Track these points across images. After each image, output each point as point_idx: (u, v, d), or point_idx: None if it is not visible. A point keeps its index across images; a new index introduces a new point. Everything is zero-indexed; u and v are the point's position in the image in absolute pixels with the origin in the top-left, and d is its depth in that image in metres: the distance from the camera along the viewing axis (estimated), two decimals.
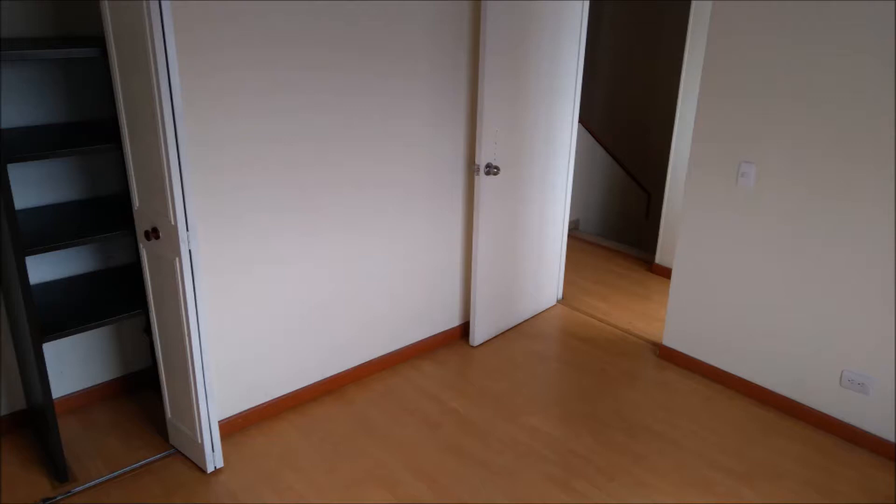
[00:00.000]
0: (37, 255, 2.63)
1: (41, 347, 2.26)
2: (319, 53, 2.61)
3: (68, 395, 2.89)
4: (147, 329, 2.98)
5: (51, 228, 2.37)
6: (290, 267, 2.79)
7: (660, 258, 4.56)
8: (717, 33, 2.92)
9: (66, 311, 2.45)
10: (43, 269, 2.67)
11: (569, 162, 3.86)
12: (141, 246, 2.41)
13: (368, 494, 2.47)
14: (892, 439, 2.72)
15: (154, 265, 2.38)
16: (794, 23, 2.68)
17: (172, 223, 2.19)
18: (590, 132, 5.59)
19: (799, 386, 2.97)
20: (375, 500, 2.44)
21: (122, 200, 2.69)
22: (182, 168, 2.13)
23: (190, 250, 2.23)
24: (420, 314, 3.41)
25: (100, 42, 2.29)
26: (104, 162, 2.70)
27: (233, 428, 2.79)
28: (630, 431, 2.87)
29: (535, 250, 3.77)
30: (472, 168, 3.38)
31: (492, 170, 3.25)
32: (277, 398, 2.92)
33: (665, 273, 4.50)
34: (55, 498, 2.41)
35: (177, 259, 2.23)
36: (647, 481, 2.57)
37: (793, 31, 2.69)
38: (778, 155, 2.83)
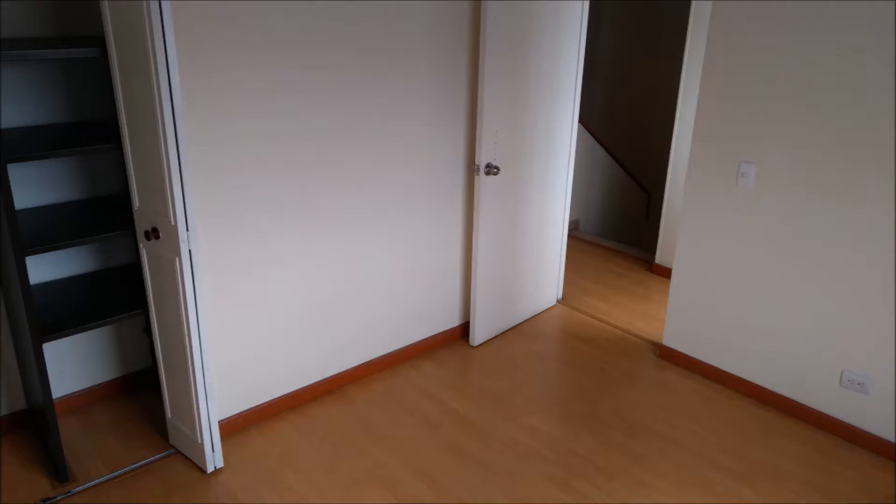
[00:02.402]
0: (37, 255, 2.63)
1: (41, 347, 2.26)
2: (319, 53, 2.61)
3: (68, 395, 2.89)
4: (147, 329, 2.98)
5: (51, 228, 2.37)
6: (290, 267, 2.79)
7: (660, 258, 4.56)
8: (717, 33, 2.92)
9: (66, 311, 2.45)
10: (43, 269, 2.67)
11: (569, 162, 3.86)
12: (141, 246, 2.41)
13: (368, 494, 2.47)
14: (892, 439, 2.72)
15: (154, 265, 2.38)
16: (794, 23, 2.68)
17: (172, 223, 2.19)
18: (590, 132, 5.59)
19: (799, 386, 2.97)
20: (375, 500, 2.44)
21: (122, 200, 2.69)
22: (182, 168, 2.13)
23: (190, 250, 2.23)
24: (420, 314, 3.41)
25: (100, 42, 2.29)
26: (104, 162, 2.70)
27: (233, 428, 2.79)
28: (630, 431, 2.87)
29: (535, 250, 3.77)
30: (472, 168, 3.38)
31: (492, 170, 3.25)
32: (277, 398, 2.92)
33: (665, 273, 4.50)
34: (55, 498, 2.41)
35: (177, 259, 2.24)
36: (647, 481, 2.57)
37: (793, 31, 2.69)
38: (778, 155, 2.83)
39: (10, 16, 2.36)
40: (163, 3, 1.94)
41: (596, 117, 6.36)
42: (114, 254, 2.84)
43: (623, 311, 4.01)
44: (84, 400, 2.94)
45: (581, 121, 5.41)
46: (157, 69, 2.00)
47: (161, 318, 2.46)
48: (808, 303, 2.86)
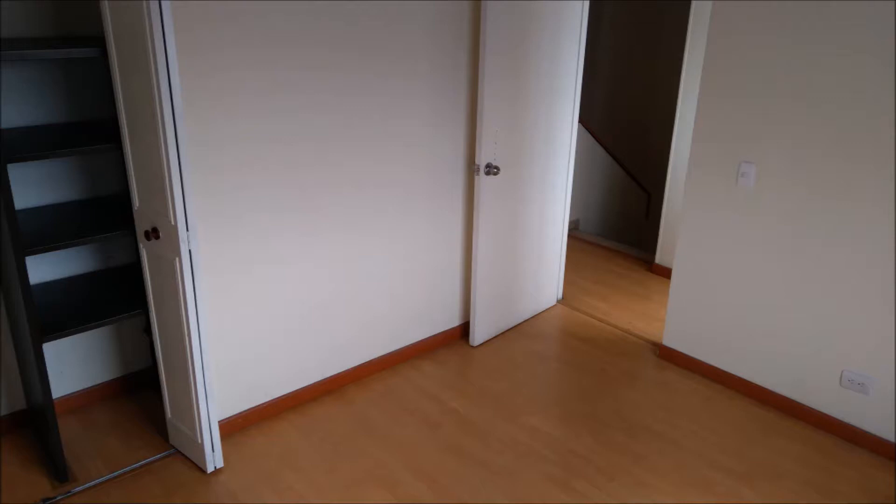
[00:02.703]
0: (37, 255, 2.63)
1: (41, 347, 2.26)
2: (319, 53, 2.61)
3: (68, 395, 2.89)
4: (147, 329, 2.98)
5: (51, 228, 2.37)
6: (290, 267, 2.79)
7: (660, 258, 4.56)
8: (717, 33, 2.92)
9: (66, 311, 2.45)
10: (43, 269, 2.67)
11: (569, 162, 3.86)
12: (141, 246, 2.41)
13: (368, 494, 2.47)
14: (892, 439, 2.72)
15: (154, 265, 2.38)
16: (794, 23, 2.68)
17: (172, 223, 2.19)
18: (590, 132, 5.59)
19: (799, 386, 2.97)
20: (375, 500, 2.44)
21: (122, 200, 2.69)
22: (182, 168, 2.13)
23: (190, 250, 2.23)
24: (420, 314, 3.41)
25: (100, 42, 2.29)
26: (104, 162, 2.70)
27: (233, 428, 2.79)
28: (630, 431, 2.87)
29: (535, 250, 3.77)
30: (472, 168, 3.38)
31: (492, 170, 3.25)
32: (277, 398, 2.92)
33: (665, 273, 4.50)
34: (55, 498, 2.41)
35: (177, 259, 2.24)
36: (647, 481, 2.57)
37: (793, 31, 2.69)
38: (778, 155, 2.83)
39: (10, 16, 2.36)
40: (163, 3, 1.94)
41: (596, 117, 6.36)
42: (114, 254, 2.84)
43: (623, 311, 4.01)
44: (84, 400, 2.94)
45: (581, 121, 5.42)
46: (157, 69, 2.00)
47: (161, 318, 2.46)
48: (808, 303, 2.86)
